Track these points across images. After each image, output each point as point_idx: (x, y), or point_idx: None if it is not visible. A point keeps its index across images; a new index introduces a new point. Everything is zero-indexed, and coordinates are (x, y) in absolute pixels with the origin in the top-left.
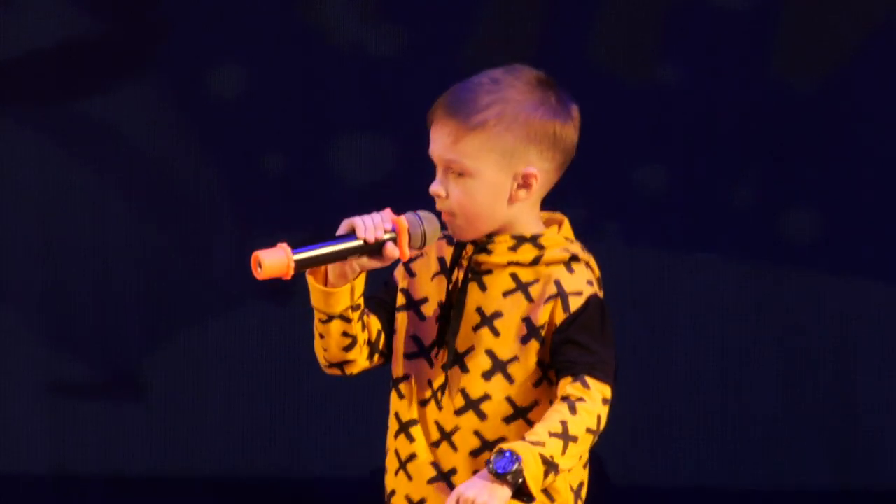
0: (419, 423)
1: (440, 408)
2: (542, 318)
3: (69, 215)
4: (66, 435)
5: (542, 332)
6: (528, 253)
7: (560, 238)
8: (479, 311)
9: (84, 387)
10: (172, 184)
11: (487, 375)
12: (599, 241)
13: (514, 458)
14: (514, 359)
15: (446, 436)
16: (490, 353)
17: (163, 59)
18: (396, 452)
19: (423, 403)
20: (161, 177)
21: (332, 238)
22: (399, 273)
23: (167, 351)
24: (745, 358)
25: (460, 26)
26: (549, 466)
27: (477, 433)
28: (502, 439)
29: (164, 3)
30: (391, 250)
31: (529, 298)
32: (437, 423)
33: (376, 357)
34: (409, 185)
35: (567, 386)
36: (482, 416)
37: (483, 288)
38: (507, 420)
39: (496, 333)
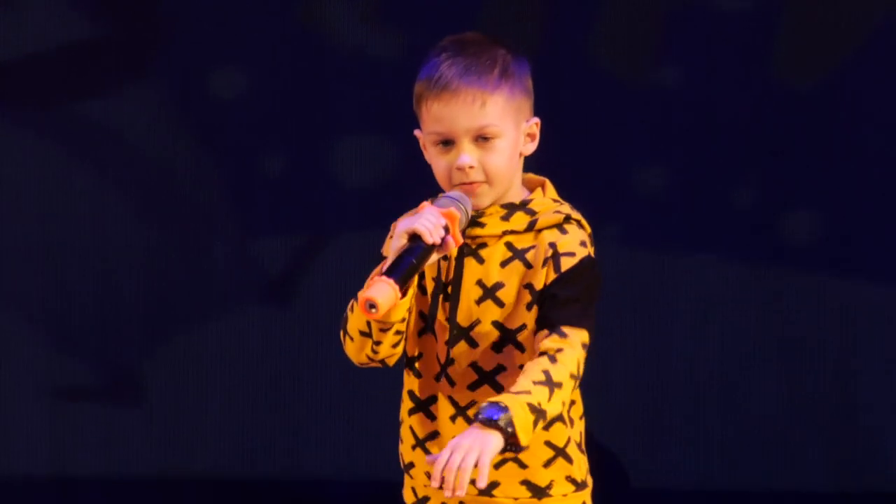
0: (437, 400)
1: (452, 384)
2: (541, 281)
3: (69, 215)
4: (67, 436)
5: (541, 295)
6: (521, 220)
7: (549, 201)
8: (480, 283)
9: (84, 387)
10: (172, 184)
11: (498, 347)
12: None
13: (502, 407)
14: (523, 326)
15: (461, 410)
16: (497, 325)
17: (163, 60)
18: (412, 429)
19: (436, 379)
20: (161, 177)
21: (407, 252)
22: (388, 248)
23: (167, 351)
24: (745, 358)
25: (460, 27)
26: (537, 413)
27: None
28: None
29: (165, 5)
30: (450, 243)
31: (528, 264)
32: (450, 398)
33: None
34: (409, 186)
35: (545, 340)
36: (498, 388)
37: (480, 261)
38: None
39: (500, 304)
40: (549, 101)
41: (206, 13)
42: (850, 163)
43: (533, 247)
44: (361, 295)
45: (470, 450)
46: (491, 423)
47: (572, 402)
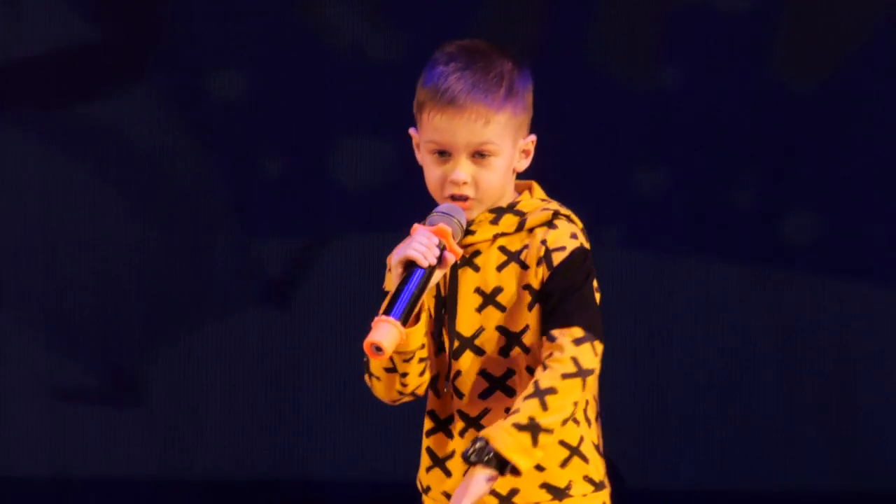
0: (454, 419)
1: (461, 396)
2: (537, 280)
3: (69, 216)
4: (67, 436)
5: (540, 295)
6: (510, 221)
7: (536, 201)
8: (479, 291)
9: (84, 388)
10: (172, 184)
11: (504, 351)
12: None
13: (480, 439)
14: (526, 328)
15: (473, 421)
16: (501, 329)
17: (163, 60)
18: (429, 450)
19: (451, 397)
20: (161, 177)
21: (403, 282)
22: (390, 283)
23: (167, 352)
24: (745, 359)
25: (460, 27)
26: (531, 429)
27: (509, 410)
28: None
29: (165, 5)
30: (449, 258)
31: (524, 265)
32: (459, 411)
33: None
34: (408, 187)
35: (542, 351)
36: (510, 392)
37: (476, 269)
38: None
39: (502, 308)
40: (549, 102)
41: (205, 13)
42: (850, 163)
43: (525, 246)
44: (366, 340)
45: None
46: (471, 462)
47: (586, 402)
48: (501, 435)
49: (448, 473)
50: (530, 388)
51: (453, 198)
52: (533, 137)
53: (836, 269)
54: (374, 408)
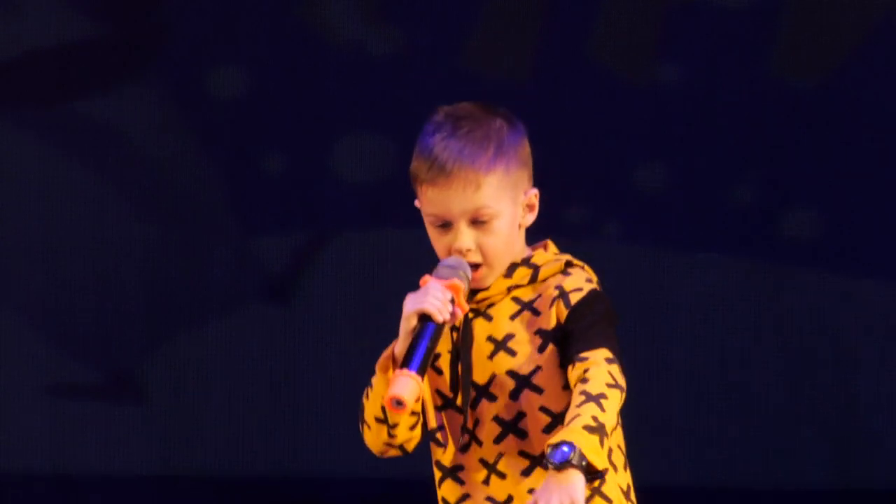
0: (465, 468)
1: (480, 444)
2: (550, 322)
3: (69, 215)
4: (67, 434)
5: (554, 335)
6: (523, 273)
7: (549, 255)
8: (491, 339)
9: (84, 386)
10: (172, 184)
11: (515, 395)
12: (599, 240)
13: (567, 443)
14: (537, 369)
15: (492, 468)
16: (511, 373)
17: (163, 59)
18: (444, 499)
19: (463, 449)
20: (161, 177)
21: (418, 336)
22: None
23: (167, 351)
24: (745, 358)
25: (460, 26)
26: (597, 430)
27: (522, 453)
28: None
29: (165, 4)
30: (458, 313)
31: (536, 312)
32: (481, 460)
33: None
34: (408, 185)
35: (571, 373)
36: (522, 434)
37: (489, 319)
38: (547, 429)
39: (512, 353)
40: (549, 101)
41: (206, 12)
42: (849, 161)
43: (539, 296)
44: (386, 394)
45: (561, 502)
46: (565, 465)
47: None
48: (580, 439)
49: None
50: (581, 397)
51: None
52: (535, 191)
53: (836, 266)
54: None
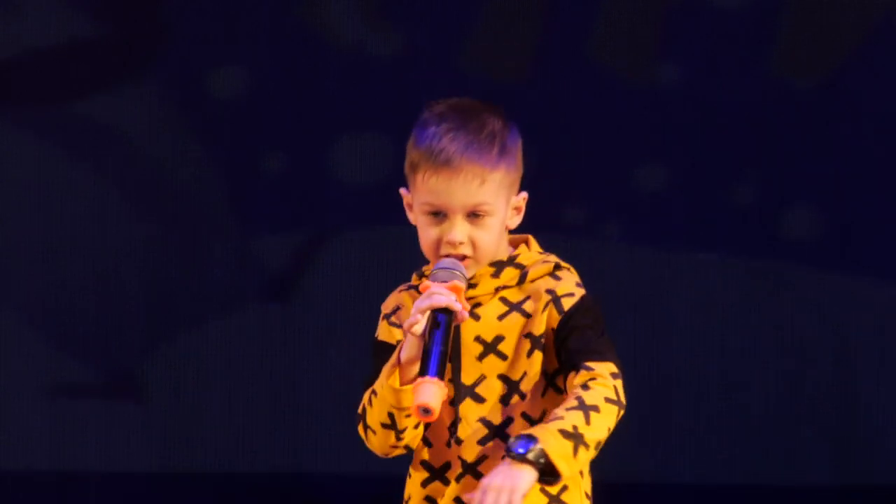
0: (451, 466)
1: (459, 442)
2: (540, 327)
3: (69, 215)
4: (67, 434)
5: (543, 341)
6: (511, 274)
7: (535, 254)
8: (479, 339)
9: (85, 386)
10: (172, 184)
11: (505, 400)
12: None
13: (531, 438)
14: (524, 375)
15: (469, 468)
16: (503, 378)
17: (163, 59)
18: (429, 498)
19: (447, 445)
20: (161, 177)
21: (430, 340)
22: (385, 332)
23: (167, 351)
24: (745, 357)
25: (460, 26)
26: (574, 438)
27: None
28: None
29: (165, 4)
30: (462, 312)
31: (526, 315)
32: (459, 457)
33: None
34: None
35: (573, 379)
36: (506, 439)
37: (476, 318)
38: None
39: (503, 357)
40: (549, 101)
41: (206, 12)
42: (849, 161)
43: (528, 297)
44: (413, 403)
45: (501, 489)
46: (520, 458)
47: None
48: (550, 440)
49: None
50: (573, 402)
51: (449, 257)
52: (524, 195)
53: (836, 266)
54: None
